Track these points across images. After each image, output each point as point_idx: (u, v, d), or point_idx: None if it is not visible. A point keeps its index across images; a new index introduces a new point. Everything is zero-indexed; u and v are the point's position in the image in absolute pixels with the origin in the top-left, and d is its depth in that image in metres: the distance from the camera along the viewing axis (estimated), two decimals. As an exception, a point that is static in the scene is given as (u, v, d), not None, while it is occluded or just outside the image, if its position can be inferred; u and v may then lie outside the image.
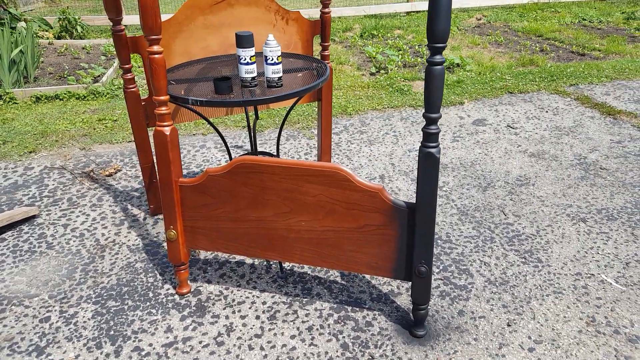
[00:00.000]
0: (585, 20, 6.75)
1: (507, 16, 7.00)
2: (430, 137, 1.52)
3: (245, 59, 1.79)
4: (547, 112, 3.58)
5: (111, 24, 2.02)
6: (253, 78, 1.84)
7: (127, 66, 2.09)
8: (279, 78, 1.84)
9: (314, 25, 2.35)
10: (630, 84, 4.14)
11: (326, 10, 2.28)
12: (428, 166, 1.53)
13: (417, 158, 2.91)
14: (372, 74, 4.61)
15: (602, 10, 7.31)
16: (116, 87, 4.22)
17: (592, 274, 1.98)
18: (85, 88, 4.05)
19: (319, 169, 1.62)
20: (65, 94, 3.98)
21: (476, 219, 2.35)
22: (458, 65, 4.68)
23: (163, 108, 1.67)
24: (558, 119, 3.45)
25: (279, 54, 1.80)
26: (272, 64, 1.81)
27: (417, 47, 5.46)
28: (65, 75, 4.39)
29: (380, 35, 6.09)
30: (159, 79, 1.63)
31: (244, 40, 1.76)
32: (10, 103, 3.89)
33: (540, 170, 2.77)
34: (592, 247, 2.14)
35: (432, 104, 1.50)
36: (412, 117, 3.56)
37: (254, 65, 1.83)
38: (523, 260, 2.07)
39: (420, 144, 1.52)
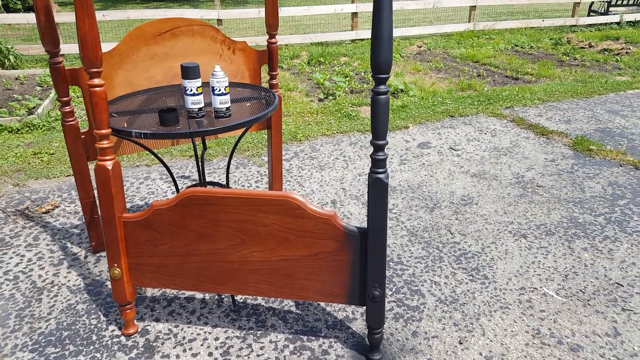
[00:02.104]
0: (518, 46, 7.24)
1: (446, 43, 7.38)
2: (378, 163, 1.55)
3: (191, 90, 1.78)
4: (485, 134, 3.78)
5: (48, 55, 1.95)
6: (200, 109, 1.82)
7: (65, 99, 2.01)
8: (227, 108, 1.83)
9: (261, 55, 2.37)
10: (560, 105, 4.46)
11: (272, 40, 2.31)
12: (377, 191, 1.57)
13: (367, 182, 2.97)
14: (320, 100, 4.69)
15: (532, 36, 7.87)
16: (53, 118, 4.03)
17: (535, 288, 2.07)
18: (19, 121, 3.84)
19: (270, 198, 1.61)
20: (-4, 127, 3.76)
21: (425, 240, 2.41)
22: (402, 90, 4.86)
23: (105, 142, 1.61)
24: (496, 140, 3.64)
25: (227, 84, 1.80)
26: (220, 95, 1.80)
27: (363, 74, 5.62)
28: (-3, 107, 4.15)
29: (327, 62, 6.23)
30: (100, 112, 1.58)
31: (190, 72, 1.74)
32: None
33: (482, 190, 2.90)
34: (533, 262, 2.25)
35: (378, 131, 1.54)
36: (360, 142, 3.64)
37: (201, 96, 1.81)
38: (471, 277, 2.14)
39: (369, 170, 1.55)
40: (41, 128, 3.87)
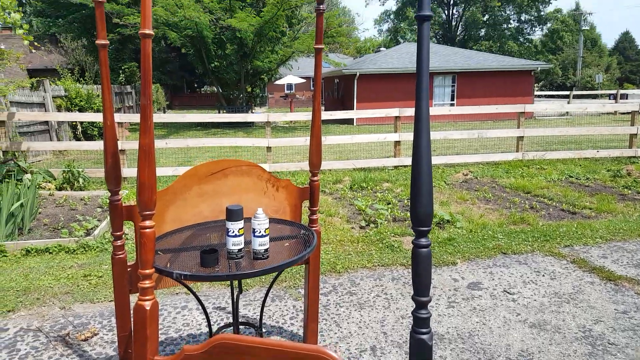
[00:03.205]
0: (572, 177, 7.01)
1: (494, 172, 7.34)
2: (420, 322, 1.43)
3: (233, 231, 1.80)
4: (543, 276, 3.50)
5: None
6: (240, 249, 1.83)
7: (118, 233, 2.10)
8: (266, 250, 1.82)
9: (302, 192, 2.42)
10: (627, 245, 4.10)
11: (315, 178, 2.38)
12: (420, 353, 1.42)
13: (410, 326, 2.74)
14: (361, 227, 4.64)
15: (587, 167, 7.65)
16: (107, 240, 4.21)
17: None
18: (76, 242, 4.04)
19: (302, 352, 1.49)
20: (55, 247, 3.96)
21: (479, 404, 2.11)
22: (448, 221, 4.74)
23: (147, 282, 1.62)
24: (556, 284, 3.35)
25: (267, 226, 1.81)
26: (260, 237, 1.81)
27: (406, 201, 5.60)
28: (59, 227, 4.42)
29: (369, 187, 6.31)
30: (146, 252, 1.61)
31: (233, 215, 1.79)
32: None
33: (543, 344, 2.59)
34: None
35: (420, 286, 1.45)
36: (403, 278, 3.47)
37: (242, 237, 1.83)
38: None
39: (411, 328, 1.42)
40: (95, 249, 4.03)
